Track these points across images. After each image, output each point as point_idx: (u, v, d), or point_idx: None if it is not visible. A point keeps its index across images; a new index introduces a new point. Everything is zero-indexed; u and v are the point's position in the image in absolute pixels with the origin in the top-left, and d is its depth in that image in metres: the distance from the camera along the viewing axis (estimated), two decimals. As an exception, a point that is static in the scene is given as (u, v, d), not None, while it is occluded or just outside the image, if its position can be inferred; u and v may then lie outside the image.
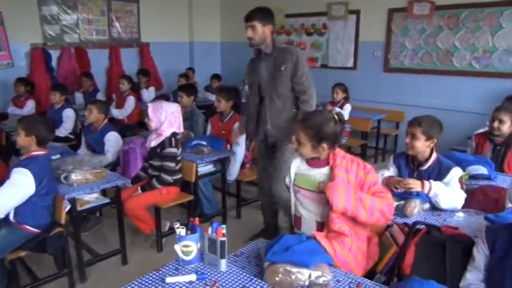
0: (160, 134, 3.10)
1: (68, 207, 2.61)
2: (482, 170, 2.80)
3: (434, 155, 2.45)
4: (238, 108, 3.79)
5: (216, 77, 6.90)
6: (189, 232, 1.60)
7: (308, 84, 3.00)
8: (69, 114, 4.84)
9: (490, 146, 3.22)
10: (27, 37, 5.83)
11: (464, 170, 2.60)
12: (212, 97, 6.58)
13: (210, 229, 1.59)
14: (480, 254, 1.68)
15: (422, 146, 2.40)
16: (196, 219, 1.63)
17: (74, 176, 2.72)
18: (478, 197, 2.52)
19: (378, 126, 5.39)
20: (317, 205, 1.93)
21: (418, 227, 1.83)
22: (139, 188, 3.18)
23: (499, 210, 2.34)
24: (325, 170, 1.92)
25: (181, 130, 3.22)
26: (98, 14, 6.47)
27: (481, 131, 3.94)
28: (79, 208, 2.75)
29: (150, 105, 3.14)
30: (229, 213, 3.82)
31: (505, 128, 3.09)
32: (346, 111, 4.88)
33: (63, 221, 2.61)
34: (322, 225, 1.90)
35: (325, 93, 5.25)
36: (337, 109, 4.83)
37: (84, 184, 2.74)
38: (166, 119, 3.10)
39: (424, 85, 5.36)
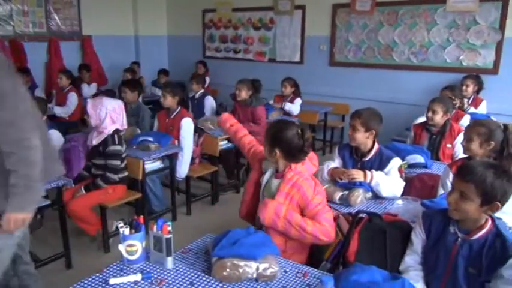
0: (102, 131, 2.99)
1: (4, 210, 2.44)
2: (419, 159, 2.97)
3: (376, 146, 2.55)
4: (185, 103, 3.74)
5: (163, 72, 6.76)
6: (133, 231, 1.55)
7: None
8: None
9: (427, 135, 3.41)
10: (-47, 29, 5.40)
11: (403, 160, 2.74)
12: (159, 92, 6.45)
13: (155, 227, 1.55)
14: (418, 237, 1.78)
15: (361, 137, 2.50)
16: (141, 218, 1.59)
17: (10, 178, 2.55)
18: (415, 185, 2.67)
19: (324, 119, 5.53)
20: None
21: (360, 215, 1.91)
22: (82, 188, 3.05)
23: (435, 196, 2.50)
24: (279, 181, 1.97)
25: (125, 127, 3.12)
26: (33, 5, 6.09)
27: (419, 121, 4.17)
28: (16, 211, 2.58)
29: (89, 101, 3.02)
30: (179, 210, 3.76)
31: (438, 118, 3.28)
32: (297, 104, 4.96)
33: (-2, 226, 2.44)
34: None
35: (274, 88, 5.31)
36: (288, 104, 4.90)
37: (21, 186, 2.58)
38: (107, 115, 2.97)
39: (367, 79, 5.56)
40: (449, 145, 3.30)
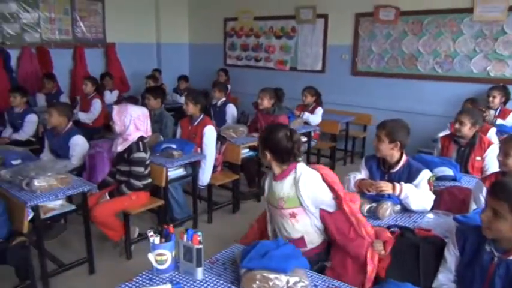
0: (127, 138, 3.00)
1: (31, 215, 2.48)
2: (448, 171, 2.89)
3: (404, 158, 2.49)
4: (207, 111, 3.74)
5: (183, 78, 6.80)
6: (163, 240, 1.54)
7: None
8: (32, 120, 4.62)
9: (455, 147, 3.32)
10: (-17, 36, 5.55)
11: (431, 172, 2.67)
12: (181, 99, 6.48)
13: (185, 236, 1.53)
14: (451, 255, 1.71)
15: (386, 148, 2.45)
16: (171, 227, 1.57)
17: (37, 182, 2.58)
18: (445, 198, 2.59)
19: (346, 129, 5.47)
20: (280, 220, 1.98)
21: (392, 229, 1.86)
22: (106, 194, 3.06)
23: (466, 210, 2.42)
24: (283, 184, 1.96)
25: (149, 134, 3.13)
26: (60, 13, 6.23)
27: (444, 133, 4.09)
28: (43, 216, 2.61)
29: (115, 108, 3.03)
30: (200, 218, 3.75)
31: (465, 130, 3.20)
32: (317, 114, 4.90)
33: (25, 230, 2.47)
34: (290, 242, 1.90)
35: (295, 96, 5.28)
36: (306, 114, 4.86)
37: (48, 191, 2.61)
38: (132, 122, 2.99)
39: (390, 89, 5.49)
40: (478, 158, 3.20)
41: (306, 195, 1.90)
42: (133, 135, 2.99)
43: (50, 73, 5.84)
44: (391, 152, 2.44)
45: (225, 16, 7.18)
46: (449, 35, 4.94)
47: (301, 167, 1.98)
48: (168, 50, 7.58)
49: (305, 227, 1.97)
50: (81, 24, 6.50)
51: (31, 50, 5.94)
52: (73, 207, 2.83)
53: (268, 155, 1.99)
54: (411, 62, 5.27)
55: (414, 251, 1.78)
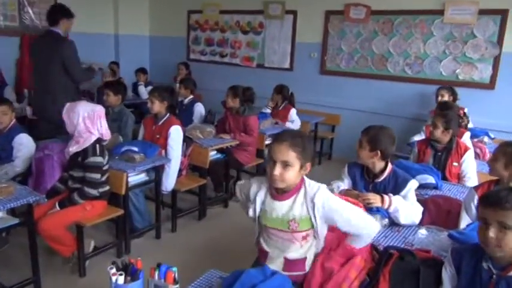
0: (78, 140, 2.63)
1: (-38, 232, 2.08)
2: (430, 179, 2.76)
3: (389, 167, 2.32)
4: (174, 109, 3.42)
5: (141, 70, 6.35)
6: (128, 279, 1.24)
7: None
8: None
9: (431, 152, 3.21)
10: None
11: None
12: (142, 91, 6.09)
13: (156, 274, 1.24)
14: (448, 275, 1.57)
15: (365, 155, 2.27)
16: (139, 261, 1.27)
17: (-29, 193, 2.18)
18: (430, 209, 2.44)
19: (315, 129, 5.30)
20: (288, 243, 1.70)
21: (390, 251, 1.65)
22: (56, 204, 2.68)
23: (453, 221, 2.29)
24: (293, 203, 1.68)
25: (108, 136, 2.77)
26: (5, -4, 5.62)
27: (419, 137, 4.01)
28: (-23, 232, 2.21)
29: (65, 106, 2.65)
30: (163, 226, 3.42)
31: (438, 133, 3.09)
32: (296, 120, 4.73)
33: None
34: (291, 262, 1.68)
35: (262, 95, 5.02)
36: (288, 124, 4.63)
37: (-15, 202, 2.21)
38: (83, 122, 2.62)
39: (360, 89, 5.37)
40: (455, 163, 3.11)
41: (322, 213, 1.66)
42: (86, 137, 2.62)
43: (-8, 63, 5.26)
44: (371, 160, 2.26)
45: (189, 8, 6.80)
46: (420, 36, 4.88)
47: (309, 181, 1.72)
48: (126, 41, 7.09)
49: (310, 248, 1.73)
50: (30, 10, 5.90)
51: (-31, 36, 5.32)
52: (16, 220, 2.43)
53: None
54: (381, 63, 5.18)
55: (414, 275, 1.59)
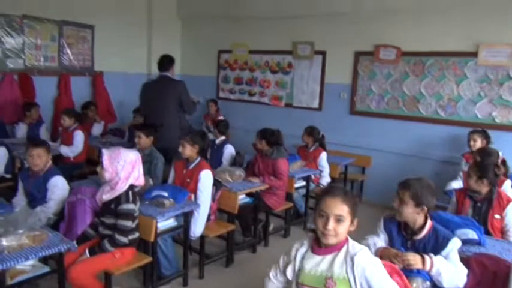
0: (114, 187, 2.65)
1: (-6, 281, 2.08)
2: (472, 234, 2.60)
3: (429, 223, 2.21)
4: (205, 153, 3.42)
5: None
6: None
7: None
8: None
9: (471, 202, 3.05)
10: (-39, 61, 5.17)
11: (453, 234, 2.38)
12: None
13: None
14: None
15: (411, 212, 2.16)
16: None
17: (5, 242, 2.19)
18: (474, 269, 2.29)
19: (345, 171, 5.20)
20: None
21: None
22: (86, 251, 2.67)
23: (500, 285, 2.13)
24: (333, 260, 1.62)
25: (142, 183, 2.78)
26: (47, 39, 5.89)
27: (456, 183, 3.85)
28: (9, 282, 2.21)
29: (105, 152, 2.68)
30: (190, 273, 3.35)
31: (472, 183, 2.95)
32: (326, 166, 4.66)
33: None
34: None
35: (290, 133, 5.01)
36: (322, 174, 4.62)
37: (18, 251, 2.22)
38: (124, 169, 2.66)
39: (391, 130, 5.28)
40: (497, 216, 2.93)
41: (362, 277, 1.59)
42: (122, 184, 2.65)
43: (32, 102, 5.47)
44: (415, 216, 2.15)
45: (219, 48, 6.96)
46: (453, 78, 4.79)
47: (352, 242, 1.69)
48: (157, 80, 7.28)
49: None
50: (69, 52, 6.16)
51: (13, 76, 5.56)
52: (47, 268, 2.43)
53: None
54: (413, 104, 5.08)
55: None
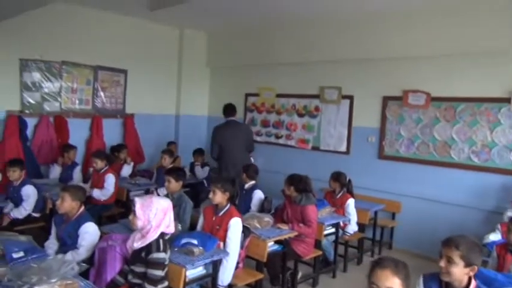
0: (146, 235, 2.65)
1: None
2: (517, 294, 2.45)
3: (473, 283, 2.09)
4: (234, 200, 3.40)
5: (198, 152, 6.53)
6: None
7: None
8: (29, 193, 4.38)
9: (512, 258, 2.90)
10: (3, 104, 5.42)
11: (497, 294, 2.25)
12: (200, 173, 6.20)
13: None
14: None
15: (460, 273, 2.05)
16: None
17: (38, 291, 2.19)
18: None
19: (374, 217, 5.05)
20: None
21: None
22: (116, 300, 2.64)
23: None
24: None
25: (172, 230, 2.77)
26: (83, 83, 6.17)
27: (494, 236, 3.69)
28: (40, 332, 2.18)
29: (137, 200, 2.70)
30: (217, 324, 3.25)
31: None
32: (353, 213, 4.57)
33: None
34: None
35: (316, 177, 4.90)
36: (349, 222, 4.53)
37: (50, 299, 2.21)
38: (156, 216, 2.67)
39: (421, 175, 5.15)
40: (543, 274, 2.76)
41: None
42: (153, 232, 2.64)
43: (70, 144, 5.64)
44: (464, 277, 2.04)
45: (247, 92, 7.10)
46: (486, 124, 4.68)
47: None
48: (186, 121, 7.46)
49: None
50: (102, 95, 6.41)
51: (49, 118, 5.80)
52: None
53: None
54: (444, 150, 4.97)
55: None
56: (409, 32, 5.02)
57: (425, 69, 5.07)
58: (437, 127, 5.02)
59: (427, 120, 5.11)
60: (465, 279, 2.08)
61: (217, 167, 5.51)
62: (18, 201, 4.35)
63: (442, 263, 2.09)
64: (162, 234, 2.70)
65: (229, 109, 5.56)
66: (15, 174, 4.33)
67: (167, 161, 5.65)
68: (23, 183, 4.37)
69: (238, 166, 4.88)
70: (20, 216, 4.32)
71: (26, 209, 4.33)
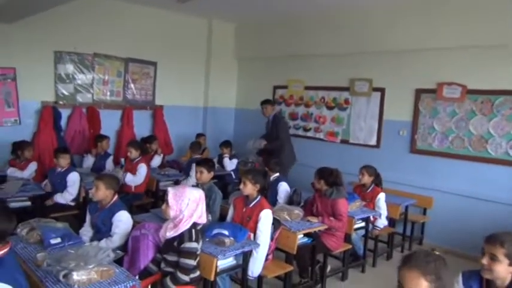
0: (178, 224, 2.67)
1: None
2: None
3: (516, 281, 2.00)
4: (265, 192, 3.39)
5: (225, 144, 6.45)
6: None
7: None
8: (74, 179, 4.52)
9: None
10: (38, 95, 5.59)
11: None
12: (228, 165, 6.19)
13: None
14: None
15: (504, 271, 1.97)
16: None
17: (76, 276, 2.24)
18: None
19: (405, 212, 4.95)
20: None
21: None
22: (149, 287, 2.68)
23: None
24: None
25: (204, 220, 2.78)
26: (114, 75, 6.28)
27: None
28: (77, 315, 2.24)
29: (170, 190, 2.72)
30: (247, 314, 3.26)
31: None
32: (383, 207, 4.46)
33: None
34: None
35: (345, 170, 4.78)
36: (379, 216, 4.44)
37: (88, 285, 2.26)
38: (188, 207, 2.68)
39: (455, 170, 5.00)
40: None
41: None
42: (186, 222, 2.66)
43: (103, 134, 5.76)
44: (508, 275, 1.96)
45: (275, 84, 7.06)
46: (526, 118, 4.50)
47: None
48: (214, 113, 7.50)
49: None
50: (132, 87, 6.51)
51: (82, 110, 5.93)
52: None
53: None
54: (480, 144, 4.80)
55: None
56: (443, 22, 4.85)
57: (461, 60, 4.89)
58: (473, 121, 4.85)
59: (463, 113, 4.94)
60: (509, 278, 2.00)
61: (275, 159, 5.36)
62: (60, 188, 4.48)
63: (485, 260, 2.01)
64: (194, 224, 2.71)
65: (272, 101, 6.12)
66: (65, 162, 4.49)
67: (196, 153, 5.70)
68: (68, 170, 4.52)
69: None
70: (64, 201, 4.46)
71: (71, 194, 4.47)
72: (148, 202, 5.23)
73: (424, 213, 5.21)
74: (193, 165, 5.00)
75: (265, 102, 5.96)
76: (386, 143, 5.66)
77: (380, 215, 4.41)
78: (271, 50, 6.88)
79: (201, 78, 7.38)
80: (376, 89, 5.72)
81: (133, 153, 5.02)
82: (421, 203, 5.09)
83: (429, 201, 5.09)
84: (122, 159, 5.89)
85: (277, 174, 4.52)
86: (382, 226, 4.46)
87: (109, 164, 5.49)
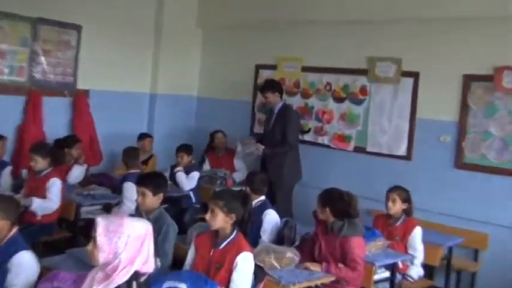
0: (112, 274, 2.57)
1: None
2: None
3: None
4: (244, 226, 3.35)
5: (183, 148, 6.31)
6: None
7: None
8: None
9: None
10: None
11: None
12: (185, 182, 6.11)
13: None
14: None
15: None
16: None
17: None
18: None
19: (448, 256, 4.99)
20: None
21: None
22: None
23: None
24: None
25: (150, 269, 2.70)
26: (15, 43, 6.17)
27: None
28: None
29: (101, 222, 2.61)
30: None
31: None
32: (417, 239, 4.51)
33: None
34: None
35: (361, 192, 4.77)
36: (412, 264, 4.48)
37: None
38: (127, 248, 2.58)
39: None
40: None
41: None
42: (124, 270, 2.56)
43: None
44: None
45: (257, 62, 7.10)
46: None
47: None
48: (166, 104, 7.52)
49: None
50: (43, 61, 6.45)
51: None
52: None
53: None
54: (558, 157, 4.95)
55: None
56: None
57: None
58: (547, 123, 5.00)
59: (533, 112, 5.08)
60: None
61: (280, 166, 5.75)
62: None
63: None
64: (136, 275, 2.63)
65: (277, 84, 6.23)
66: None
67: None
68: None
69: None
70: None
71: None
72: (62, 238, 5.15)
73: (476, 257, 5.30)
74: (130, 183, 4.96)
75: (266, 88, 5.91)
76: (420, 153, 5.74)
77: (414, 260, 4.43)
78: (252, 14, 6.92)
79: (147, 53, 7.42)
80: (406, 74, 5.82)
81: (40, 163, 4.93)
82: (471, 242, 5.17)
83: (483, 240, 5.17)
84: (24, 171, 5.75)
85: (263, 197, 4.53)
86: (417, 277, 4.49)
87: (4, 178, 5.39)
